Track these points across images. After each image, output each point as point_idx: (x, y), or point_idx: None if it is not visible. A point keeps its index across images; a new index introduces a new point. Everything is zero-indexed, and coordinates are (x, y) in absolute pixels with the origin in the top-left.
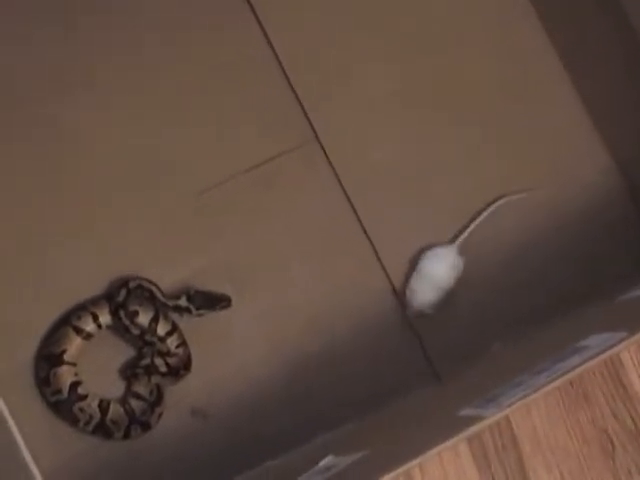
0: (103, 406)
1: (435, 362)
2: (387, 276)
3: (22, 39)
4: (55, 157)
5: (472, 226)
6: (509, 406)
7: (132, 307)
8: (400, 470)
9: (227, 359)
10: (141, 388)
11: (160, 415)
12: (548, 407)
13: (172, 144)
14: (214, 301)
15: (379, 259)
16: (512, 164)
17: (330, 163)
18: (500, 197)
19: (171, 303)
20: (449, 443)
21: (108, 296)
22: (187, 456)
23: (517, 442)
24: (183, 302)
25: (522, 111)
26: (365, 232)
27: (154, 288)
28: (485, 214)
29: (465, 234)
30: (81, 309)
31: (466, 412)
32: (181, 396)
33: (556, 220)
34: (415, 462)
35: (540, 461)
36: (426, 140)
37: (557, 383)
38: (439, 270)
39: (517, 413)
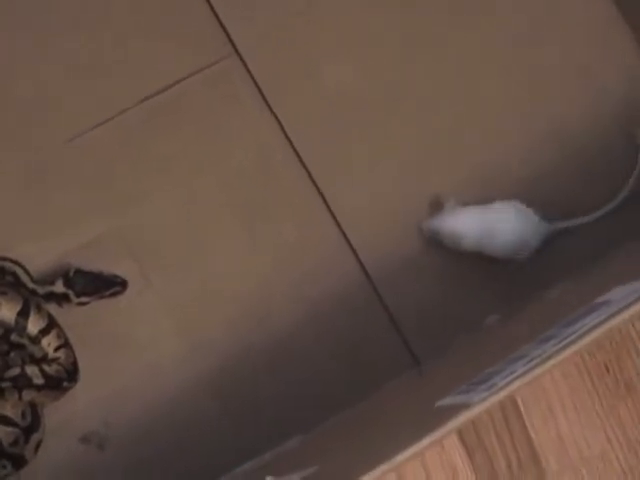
0: None
1: (412, 342)
2: (343, 234)
3: None
4: None
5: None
6: (505, 387)
7: None
8: None
9: (128, 364)
10: (9, 409)
11: (38, 445)
12: (576, 401)
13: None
14: (102, 284)
15: (330, 211)
16: None
17: (256, 84)
18: None
19: (42, 290)
20: (421, 445)
21: None
22: None
23: (538, 458)
24: (59, 287)
25: None
26: (310, 175)
27: (19, 270)
28: None
29: None
30: None
31: (446, 401)
32: (67, 417)
33: None
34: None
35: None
36: (392, 57)
37: (573, 349)
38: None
39: (536, 416)
